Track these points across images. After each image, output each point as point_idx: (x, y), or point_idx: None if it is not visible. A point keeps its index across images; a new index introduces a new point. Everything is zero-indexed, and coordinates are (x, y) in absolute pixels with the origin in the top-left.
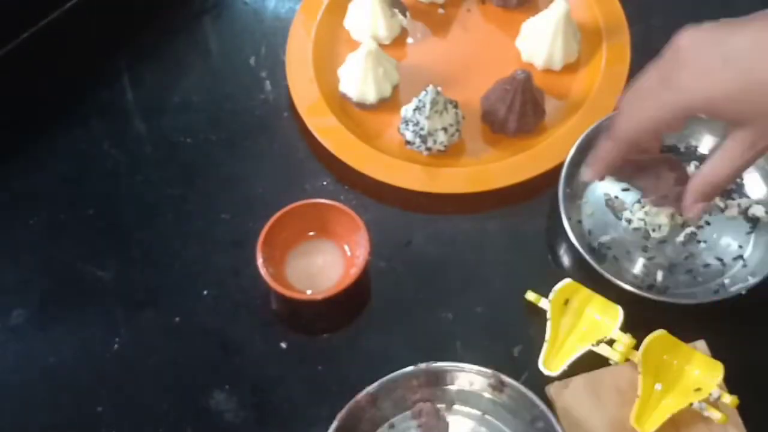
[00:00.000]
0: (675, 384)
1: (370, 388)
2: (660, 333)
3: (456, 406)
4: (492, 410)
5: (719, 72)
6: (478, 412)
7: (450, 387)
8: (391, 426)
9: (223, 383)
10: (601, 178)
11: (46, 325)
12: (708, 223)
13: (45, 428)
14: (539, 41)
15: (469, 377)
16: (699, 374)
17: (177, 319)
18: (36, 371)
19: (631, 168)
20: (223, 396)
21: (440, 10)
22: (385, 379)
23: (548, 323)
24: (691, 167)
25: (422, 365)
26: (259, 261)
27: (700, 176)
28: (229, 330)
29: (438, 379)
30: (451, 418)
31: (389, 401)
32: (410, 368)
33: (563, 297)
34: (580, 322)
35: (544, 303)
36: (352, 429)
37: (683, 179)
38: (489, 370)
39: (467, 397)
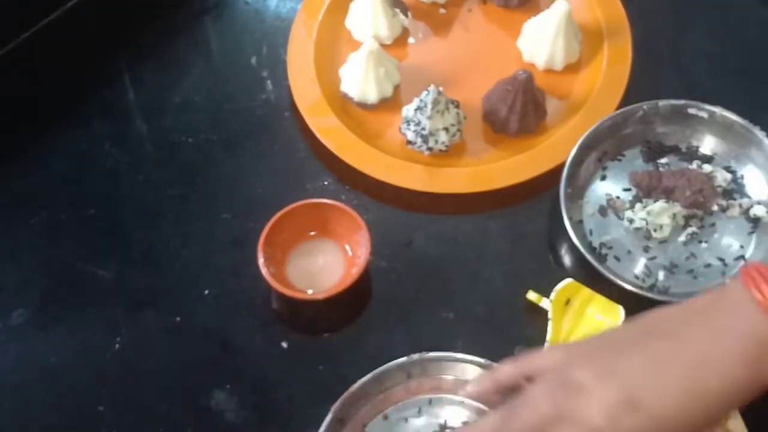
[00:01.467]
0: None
1: (364, 380)
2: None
3: (451, 397)
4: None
5: (626, 419)
6: (474, 402)
7: (445, 377)
8: (385, 417)
9: (223, 383)
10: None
11: (47, 325)
12: (711, 224)
13: (45, 428)
14: (540, 41)
15: (462, 367)
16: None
17: (178, 319)
18: (36, 371)
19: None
20: (223, 396)
21: (441, 10)
22: (378, 370)
23: (549, 323)
24: (692, 166)
25: (415, 356)
26: (260, 261)
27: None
28: (229, 330)
29: (432, 370)
30: (446, 409)
31: (383, 393)
32: (404, 359)
33: (564, 297)
34: (581, 322)
35: (545, 303)
36: (346, 421)
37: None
38: (482, 359)
39: (462, 387)
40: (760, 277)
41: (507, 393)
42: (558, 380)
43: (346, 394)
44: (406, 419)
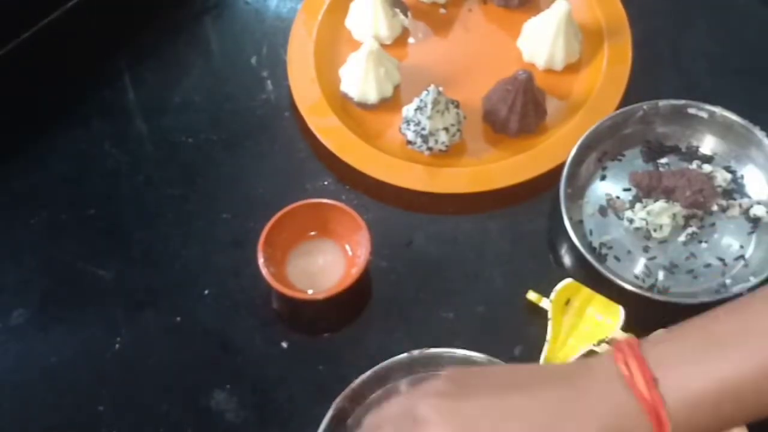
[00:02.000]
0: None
1: (364, 376)
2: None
3: None
4: None
5: None
6: None
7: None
8: None
9: (223, 383)
10: None
11: (47, 325)
12: (711, 224)
13: (45, 428)
14: (541, 41)
15: (463, 363)
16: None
17: (178, 318)
18: (36, 371)
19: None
20: (223, 396)
21: (441, 10)
22: (378, 366)
23: (549, 323)
24: (692, 166)
25: (415, 352)
26: (260, 261)
27: None
28: (229, 330)
29: (431, 366)
30: None
31: (384, 389)
32: (404, 355)
33: (564, 297)
34: (581, 323)
35: (545, 303)
36: (346, 417)
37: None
38: (482, 355)
39: None
40: (629, 351)
41: None
42: (405, 410)
43: (346, 390)
44: None
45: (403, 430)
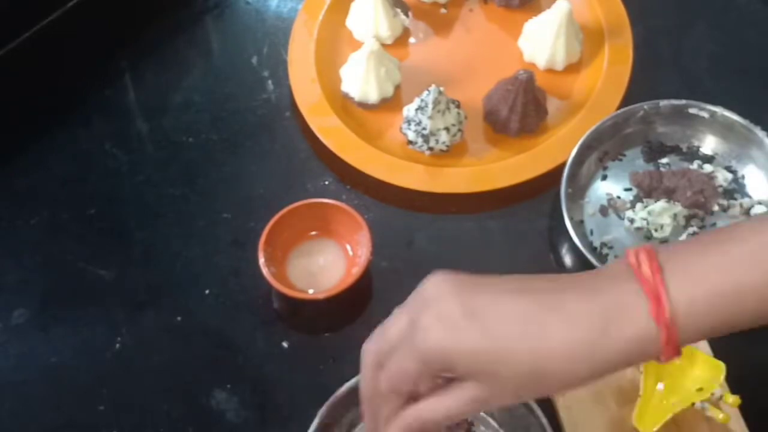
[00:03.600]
0: (677, 384)
1: (350, 383)
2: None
3: None
4: None
5: (460, 327)
6: None
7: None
8: None
9: (224, 383)
10: None
11: (48, 325)
12: (712, 224)
13: (46, 428)
14: (541, 41)
15: None
16: (701, 374)
17: (178, 318)
18: (37, 371)
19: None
20: (224, 395)
21: (442, 10)
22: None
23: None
24: (693, 166)
25: None
26: (261, 260)
27: (415, 410)
28: (230, 329)
29: None
30: None
31: None
32: None
33: None
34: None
35: None
36: (333, 425)
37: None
38: None
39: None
40: (642, 248)
41: None
42: (415, 295)
43: (332, 398)
44: None
45: (413, 310)
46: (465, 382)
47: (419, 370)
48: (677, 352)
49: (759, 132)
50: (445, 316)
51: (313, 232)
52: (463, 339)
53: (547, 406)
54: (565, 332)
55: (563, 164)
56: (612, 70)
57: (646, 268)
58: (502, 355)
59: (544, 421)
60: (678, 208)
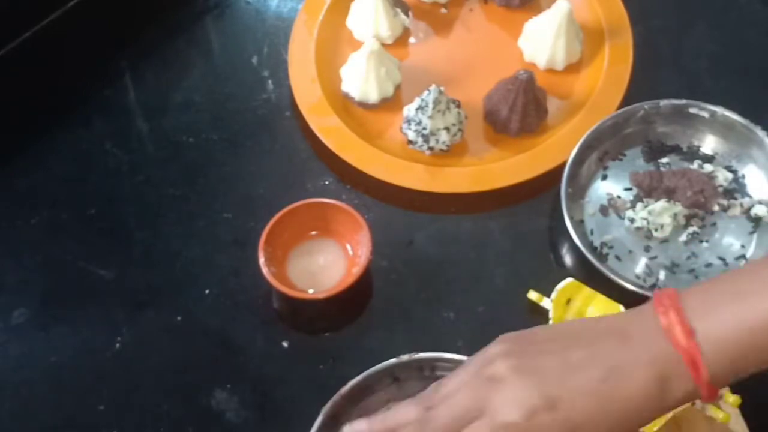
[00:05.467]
0: None
1: (354, 381)
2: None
3: None
4: None
5: (542, 421)
6: None
7: (439, 375)
8: None
9: (224, 382)
10: None
11: (48, 325)
12: (712, 224)
13: (46, 427)
14: (542, 41)
15: (454, 367)
16: None
17: (178, 318)
18: (37, 371)
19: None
20: (224, 395)
21: (443, 10)
22: (368, 371)
23: (550, 323)
24: (693, 166)
25: (404, 356)
26: (261, 260)
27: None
28: (230, 329)
29: (424, 370)
30: None
31: (374, 394)
32: (393, 360)
33: (565, 296)
34: None
35: (546, 302)
36: (337, 422)
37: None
38: None
39: None
40: (669, 302)
41: None
42: (477, 374)
43: (336, 396)
44: None
45: (480, 392)
46: None
47: None
48: (715, 397)
49: (759, 132)
50: (525, 402)
51: (313, 232)
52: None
53: None
54: (629, 405)
55: (563, 164)
56: (612, 69)
57: (678, 331)
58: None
59: None
60: (678, 207)
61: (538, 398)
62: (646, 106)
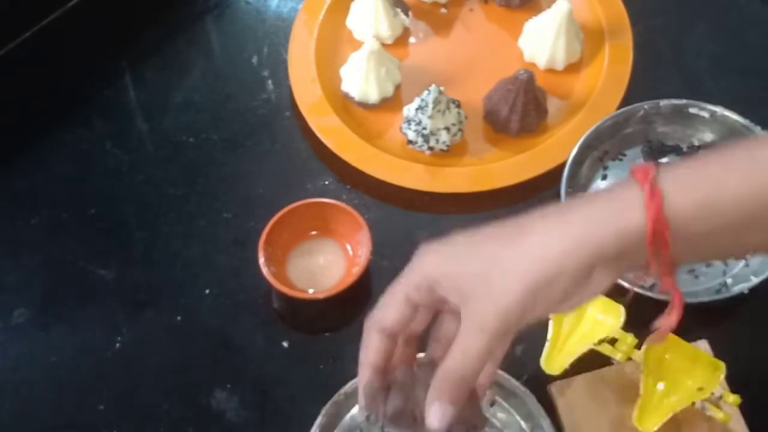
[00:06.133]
0: (677, 383)
1: (354, 381)
2: None
3: None
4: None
5: (440, 252)
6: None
7: None
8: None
9: (224, 382)
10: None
11: (48, 325)
12: None
13: (46, 427)
14: (542, 41)
15: None
16: (701, 373)
17: (178, 318)
18: (37, 370)
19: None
20: (224, 395)
21: (443, 10)
22: None
23: (550, 323)
24: None
25: None
26: (261, 260)
27: (441, 370)
28: (230, 329)
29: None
30: None
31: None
32: None
33: None
34: (582, 322)
35: None
36: (336, 422)
37: None
38: None
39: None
40: (642, 164)
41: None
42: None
43: (336, 396)
44: None
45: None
46: (462, 322)
47: (408, 296)
48: (668, 266)
49: (759, 132)
50: (424, 256)
51: (314, 232)
52: (443, 263)
53: (549, 406)
54: (551, 228)
55: (563, 164)
56: (612, 69)
57: (641, 169)
58: (481, 266)
59: (545, 423)
60: None
61: (439, 245)
62: (646, 106)
